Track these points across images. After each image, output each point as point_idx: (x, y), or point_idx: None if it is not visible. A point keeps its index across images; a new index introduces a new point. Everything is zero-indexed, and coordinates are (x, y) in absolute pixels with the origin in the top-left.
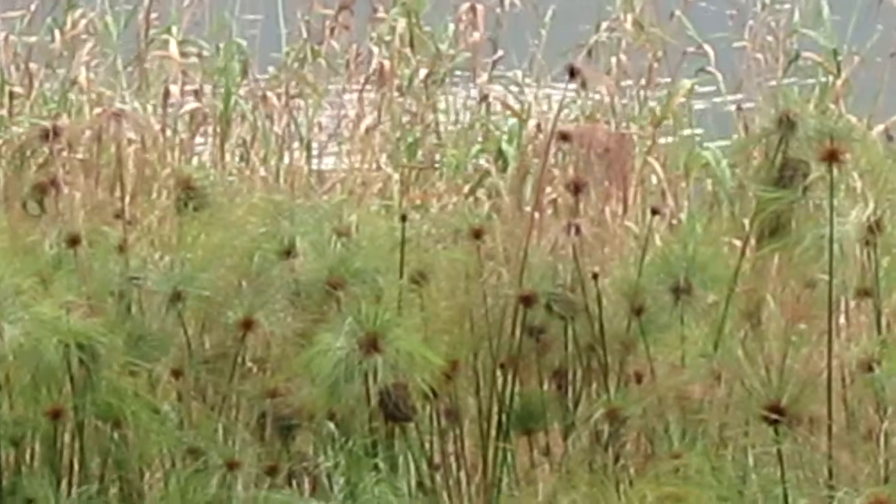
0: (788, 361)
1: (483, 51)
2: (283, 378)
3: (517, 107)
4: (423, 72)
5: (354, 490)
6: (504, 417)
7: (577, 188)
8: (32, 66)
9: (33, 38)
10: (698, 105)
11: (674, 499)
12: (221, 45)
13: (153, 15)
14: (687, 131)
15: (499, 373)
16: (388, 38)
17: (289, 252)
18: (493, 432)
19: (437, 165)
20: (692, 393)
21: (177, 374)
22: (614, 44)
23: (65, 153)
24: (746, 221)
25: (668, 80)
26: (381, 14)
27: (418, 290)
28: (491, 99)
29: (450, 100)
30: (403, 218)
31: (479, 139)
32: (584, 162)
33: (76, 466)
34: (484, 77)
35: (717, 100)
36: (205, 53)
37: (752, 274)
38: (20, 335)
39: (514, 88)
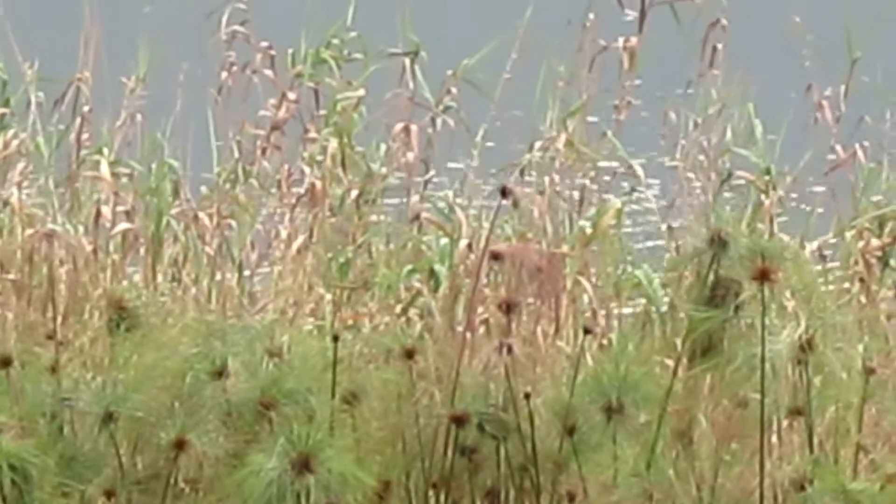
0: (720, 480)
1: (415, 171)
2: (215, 499)
3: (448, 226)
4: (354, 192)
5: None
6: None
7: (508, 308)
8: None
9: None
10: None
11: None
12: (153, 166)
13: (85, 135)
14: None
15: (431, 493)
16: (319, 158)
17: (221, 372)
18: None
19: (368, 285)
20: None
21: (109, 494)
22: (547, 163)
23: None
24: (678, 341)
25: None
26: (312, 134)
27: (350, 411)
28: (422, 219)
29: (382, 220)
30: (335, 338)
31: (411, 259)
32: (516, 281)
33: None
34: (416, 197)
35: (653, 219)
36: (136, 174)
37: (683, 393)
38: None
39: (445, 208)
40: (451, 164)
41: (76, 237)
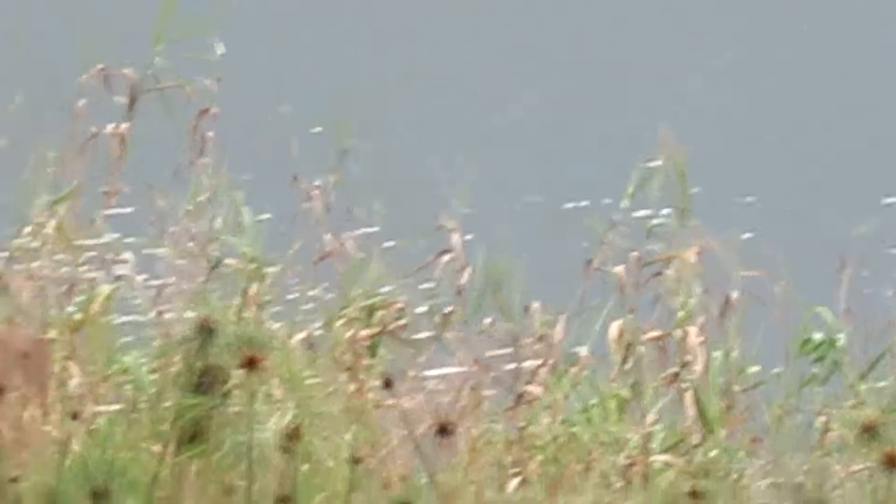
0: None
1: None
2: None
3: None
4: None
5: None
6: None
7: None
8: None
9: None
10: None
11: None
12: None
13: None
14: None
15: None
16: None
17: None
18: None
19: None
20: None
21: None
22: (36, 248)
23: None
24: (166, 427)
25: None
26: None
27: None
28: None
29: None
30: None
31: None
32: (4, 366)
33: None
34: None
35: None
36: None
37: (171, 479)
38: None
39: None
40: None
41: None
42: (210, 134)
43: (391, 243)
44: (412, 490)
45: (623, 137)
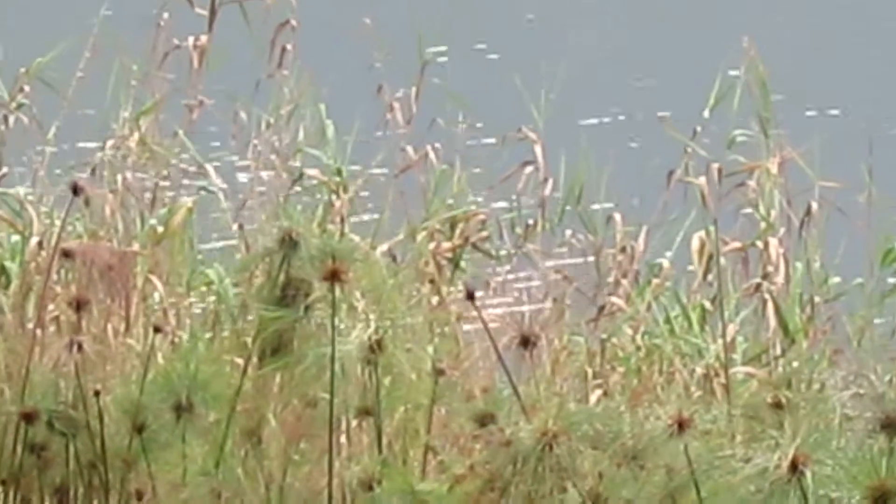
0: (289, 479)
1: None
2: None
3: (19, 223)
4: None
5: None
6: None
7: (79, 305)
8: None
9: None
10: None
11: None
12: None
13: None
14: None
15: (0, 490)
16: None
17: None
18: None
19: None
20: None
21: None
22: (119, 161)
23: None
24: (249, 340)
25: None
26: None
27: None
28: None
29: None
30: None
31: None
32: (87, 279)
33: None
34: None
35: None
36: None
37: (253, 392)
38: None
39: (16, 205)
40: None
41: None
42: (289, 46)
43: (474, 155)
44: (494, 402)
45: (705, 48)
